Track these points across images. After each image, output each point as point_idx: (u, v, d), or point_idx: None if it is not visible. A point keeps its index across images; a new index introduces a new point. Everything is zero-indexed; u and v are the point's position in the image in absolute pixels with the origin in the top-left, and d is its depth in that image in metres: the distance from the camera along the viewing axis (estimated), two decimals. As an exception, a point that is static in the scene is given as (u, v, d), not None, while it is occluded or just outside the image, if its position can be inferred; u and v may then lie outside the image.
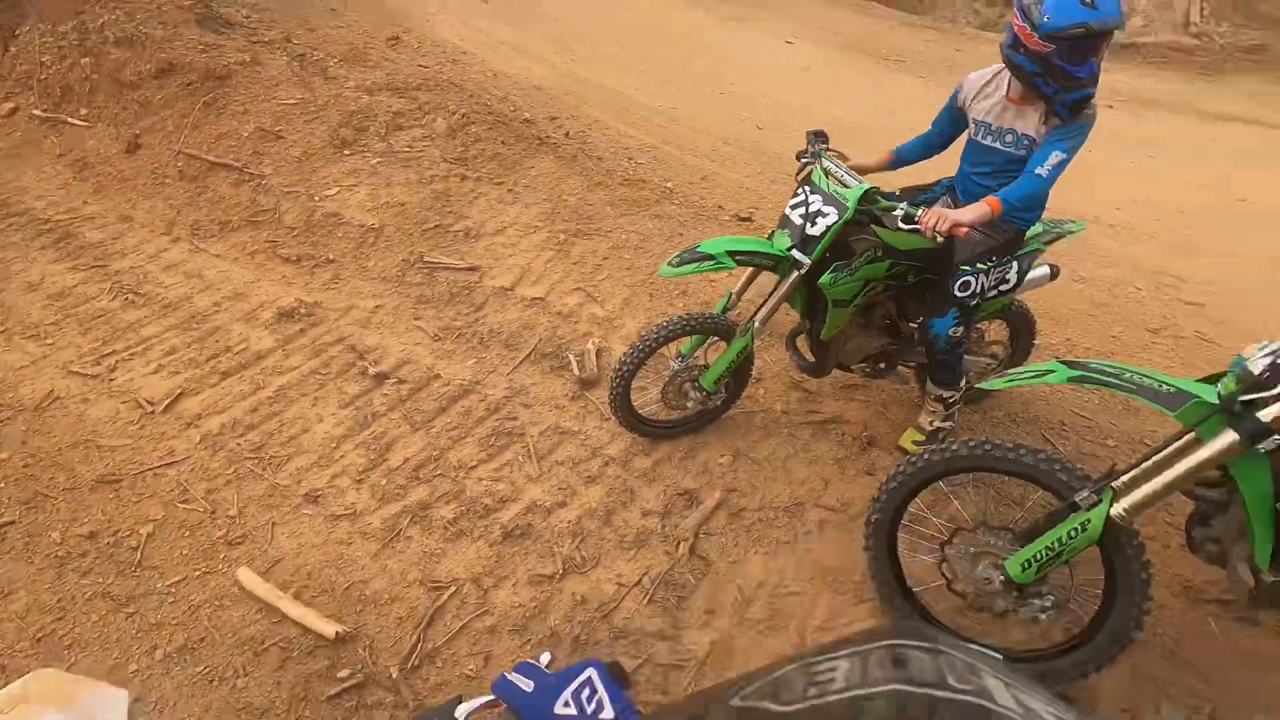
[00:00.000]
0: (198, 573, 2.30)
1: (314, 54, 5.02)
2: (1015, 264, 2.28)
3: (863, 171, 2.35)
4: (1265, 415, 1.46)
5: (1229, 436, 1.50)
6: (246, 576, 2.25)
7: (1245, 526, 1.64)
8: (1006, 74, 2.14)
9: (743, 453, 2.68)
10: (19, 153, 4.63)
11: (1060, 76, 1.93)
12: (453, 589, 2.23)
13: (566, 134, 4.82)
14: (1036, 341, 2.90)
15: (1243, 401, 1.49)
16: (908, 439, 2.61)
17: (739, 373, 2.54)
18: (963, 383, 2.50)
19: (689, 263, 2.17)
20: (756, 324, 2.33)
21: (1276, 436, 1.47)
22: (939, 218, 1.99)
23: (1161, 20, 9.72)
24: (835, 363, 2.51)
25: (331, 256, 3.66)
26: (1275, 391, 1.45)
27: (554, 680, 1.25)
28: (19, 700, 1.22)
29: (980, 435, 2.70)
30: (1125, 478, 1.68)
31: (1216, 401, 1.53)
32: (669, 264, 2.21)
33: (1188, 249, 4.41)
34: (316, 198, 3.97)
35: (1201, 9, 9.63)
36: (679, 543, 2.36)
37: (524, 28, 7.07)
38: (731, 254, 2.17)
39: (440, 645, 2.09)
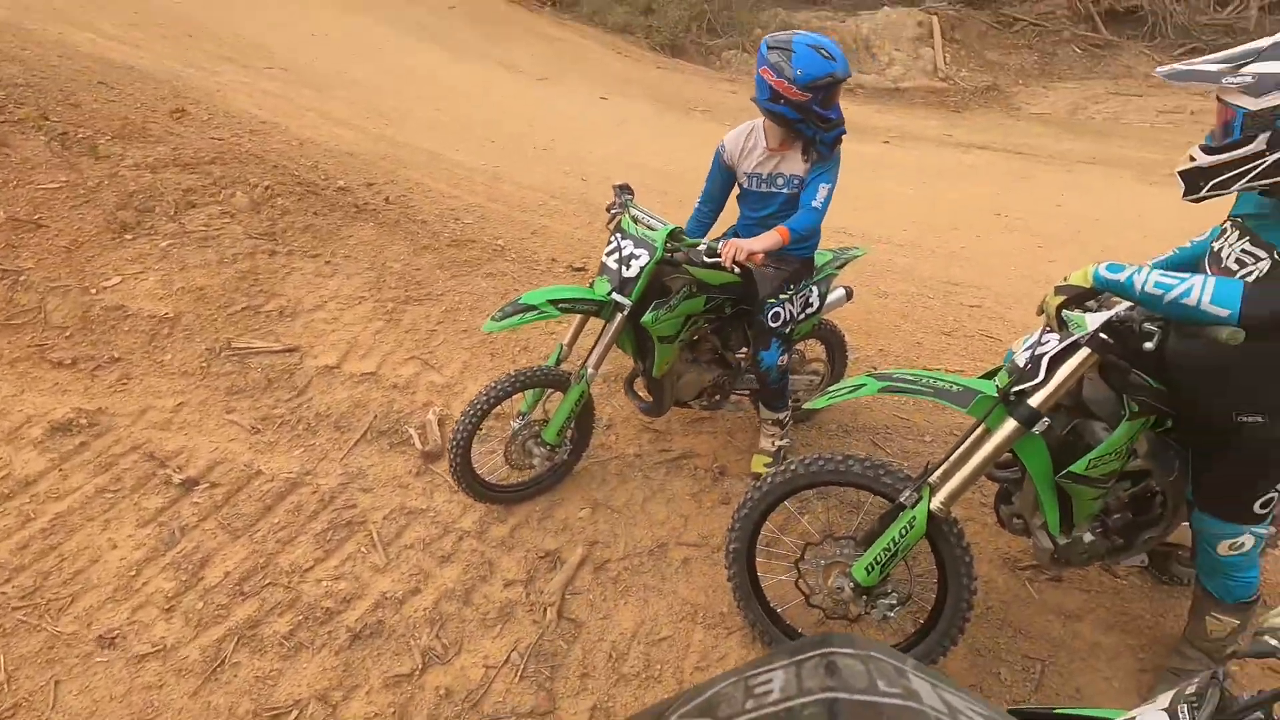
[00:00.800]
0: (-48, 765, 1.85)
1: (79, 132, 4.47)
2: (814, 289, 2.52)
3: None
4: (1034, 402, 1.67)
5: (1010, 424, 1.69)
6: (22, 755, 1.84)
7: (1037, 500, 1.86)
8: (759, 128, 2.42)
9: (601, 502, 2.65)
10: None
11: (818, 120, 2.22)
12: (294, 713, 1.97)
13: (386, 199, 4.65)
14: (852, 356, 3.17)
15: (1016, 391, 1.70)
16: (758, 463, 2.72)
17: (581, 422, 2.53)
18: (791, 402, 2.66)
19: (512, 315, 2.16)
20: (589, 370, 2.35)
21: (1046, 419, 1.69)
22: (735, 248, 2.16)
23: (916, 68, 11.34)
24: (673, 400, 2.58)
25: (117, 354, 3.21)
26: (1038, 380, 1.67)
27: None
28: None
29: (818, 449, 2.89)
30: (938, 473, 1.85)
31: (996, 394, 1.74)
32: (492, 319, 2.19)
33: (963, 259, 5.07)
34: (93, 290, 3.49)
35: (945, 57, 11.37)
36: (545, 609, 2.26)
37: (329, 94, 6.81)
38: (553, 302, 2.19)
39: (284, 783, 1.83)
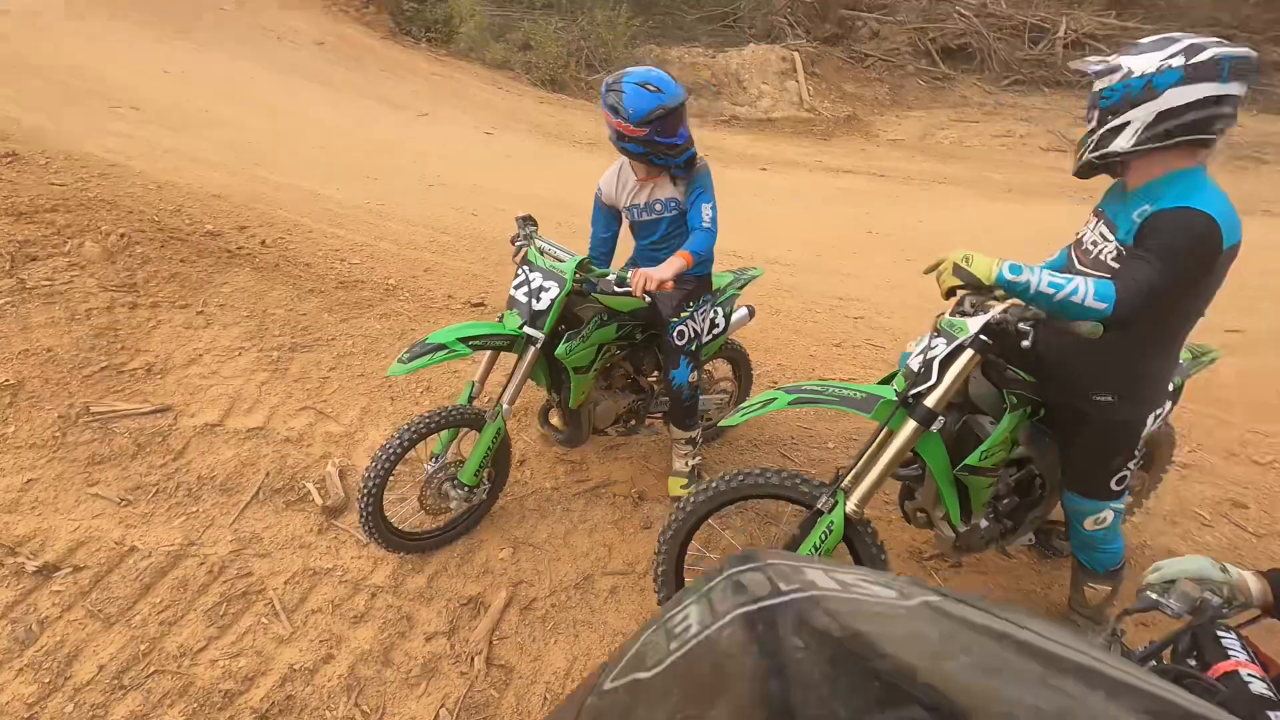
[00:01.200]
0: None
1: (-117, 181, 3.92)
2: (719, 310, 2.60)
3: None
4: (929, 402, 1.79)
5: (911, 425, 1.81)
6: None
7: (939, 493, 1.99)
8: (626, 164, 2.52)
9: (522, 541, 2.58)
10: None
11: (664, 149, 2.32)
12: (195, 815, 1.76)
13: (263, 242, 4.38)
14: (755, 372, 3.29)
15: (913, 394, 1.82)
16: (674, 486, 2.75)
17: (498, 460, 2.46)
18: (703, 421, 2.72)
19: (420, 356, 2.08)
20: (504, 406, 2.30)
21: (942, 418, 1.82)
22: (645, 278, 2.20)
23: (784, 100, 12.11)
24: (590, 429, 2.57)
25: (-54, 431, 2.80)
26: (931, 382, 1.80)
27: None
28: None
29: (731, 465, 2.96)
30: (849, 478, 1.94)
31: (895, 398, 1.85)
32: (399, 361, 2.10)
33: (843, 274, 5.41)
34: (-89, 360, 3.04)
35: (808, 90, 12.21)
36: (472, 658, 2.16)
37: (192, 134, 6.36)
38: (463, 340, 2.13)
39: None
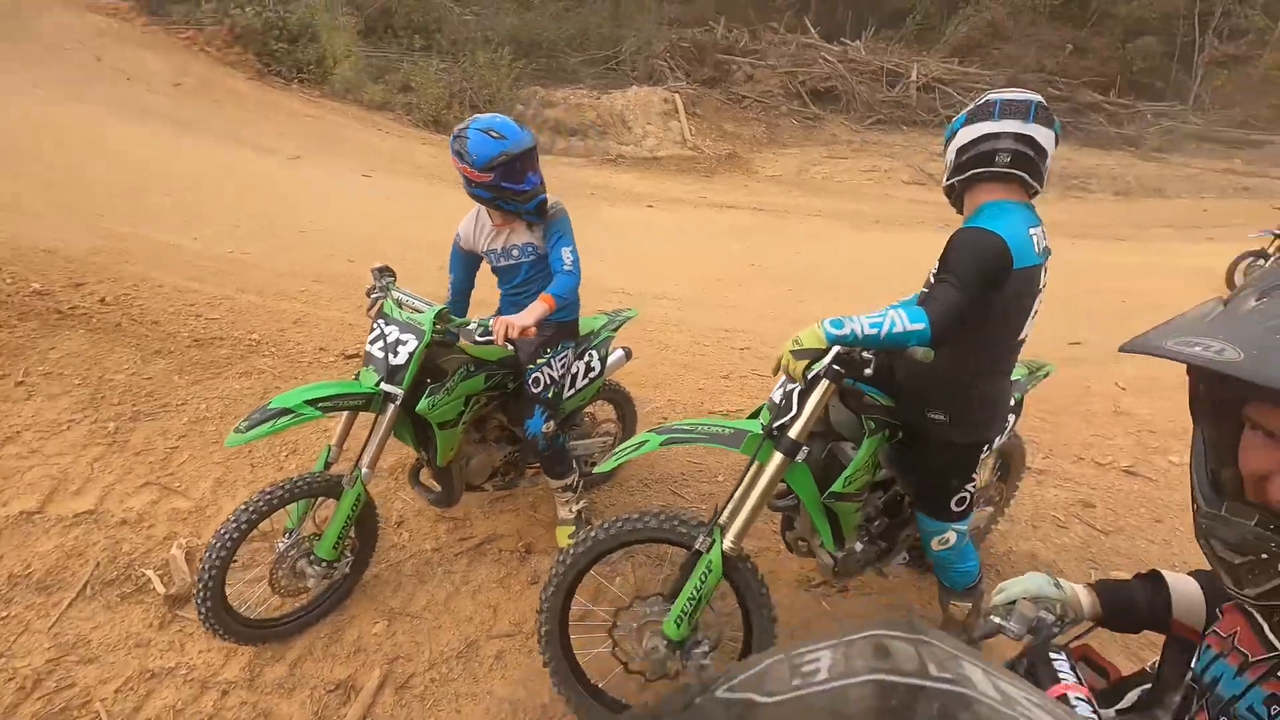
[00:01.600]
0: None
1: None
2: (594, 353, 2.56)
3: None
4: (793, 433, 1.82)
5: (777, 457, 1.83)
6: None
7: (813, 521, 2.02)
8: (483, 210, 2.49)
9: (398, 611, 2.40)
10: None
11: (512, 194, 2.30)
12: None
13: (102, 300, 3.98)
14: (645, 408, 3.27)
15: (777, 426, 1.85)
16: (563, 536, 2.66)
17: (363, 527, 2.29)
18: (588, 465, 2.66)
19: (261, 424, 1.90)
20: (364, 469, 2.14)
21: (806, 447, 1.85)
22: (506, 325, 2.14)
23: (668, 139, 12.50)
24: (464, 486, 2.44)
25: None
26: (793, 413, 1.83)
27: None
28: None
29: (620, 508, 2.91)
30: (725, 514, 1.93)
31: (761, 431, 1.87)
32: (236, 430, 1.91)
33: (729, 307, 5.56)
34: None
35: (690, 130, 12.68)
36: (340, 752, 1.96)
37: (20, 185, 5.75)
38: (312, 403, 1.97)
39: None
